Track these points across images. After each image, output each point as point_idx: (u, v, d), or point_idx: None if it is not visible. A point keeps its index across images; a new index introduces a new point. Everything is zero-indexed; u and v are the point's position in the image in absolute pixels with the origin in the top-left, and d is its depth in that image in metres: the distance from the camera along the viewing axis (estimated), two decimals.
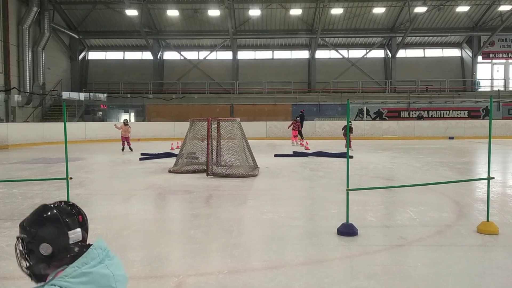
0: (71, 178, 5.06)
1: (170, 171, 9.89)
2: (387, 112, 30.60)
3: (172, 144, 18.29)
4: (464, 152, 15.84)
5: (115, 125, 17.28)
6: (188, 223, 5.28)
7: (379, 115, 30.45)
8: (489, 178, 4.72)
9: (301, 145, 18.96)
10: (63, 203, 1.42)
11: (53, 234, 1.33)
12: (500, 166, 11.66)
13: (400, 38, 31.56)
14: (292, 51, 34.04)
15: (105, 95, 29.61)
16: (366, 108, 30.47)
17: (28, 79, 25.32)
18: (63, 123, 4.88)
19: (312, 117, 28.57)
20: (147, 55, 33.40)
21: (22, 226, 1.37)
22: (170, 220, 5.66)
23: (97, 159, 13.52)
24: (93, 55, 34.40)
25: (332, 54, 33.95)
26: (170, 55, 34.22)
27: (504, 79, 33.81)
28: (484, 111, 30.55)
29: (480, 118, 30.05)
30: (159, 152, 14.35)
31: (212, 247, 4.18)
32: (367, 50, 33.78)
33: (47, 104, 28.06)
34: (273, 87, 31.86)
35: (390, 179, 8.96)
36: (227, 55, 33.53)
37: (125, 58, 34.38)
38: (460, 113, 30.63)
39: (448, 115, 30.54)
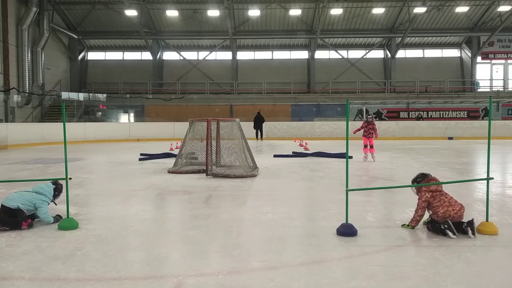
0: (70, 179, 5.06)
1: (169, 172, 9.88)
2: (386, 113, 30.64)
3: (171, 144, 18.28)
4: (464, 152, 15.85)
5: None
6: (187, 223, 5.27)
7: (378, 116, 30.49)
8: (488, 179, 4.72)
9: (364, 157, 12.10)
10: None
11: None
12: (499, 166, 11.67)
13: (400, 39, 31.60)
14: (292, 52, 34.05)
15: (105, 95, 29.62)
16: (366, 109, 30.50)
17: (27, 79, 25.32)
18: (62, 123, 4.88)
19: (311, 118, 28.60)
20: (147, 56, 33.41)
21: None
22: (169, 220, 5.65)
23: (96, 160, 13.52)
24: (92, 55, 34.40)
25: (332, 54, 33.97)
26: (169, 56, 34.22)
27: (503, 79, 33.86)
28: (484, 112, 30.60)
29: (479, 119, 30.10)
30: (159, 153, 14.34)
31: (211, 247, 4.18)
32: (367, 51, 33.80)
33: (46, 105, 28.07)
34: (273, 87, 31.87)
35: (390, 179, 8.96)
36: (226, 55, 33.54)
37: (125, 58, 34.38)
38: (460, 114, 30.67)
39: (448, 115, 30.57)
